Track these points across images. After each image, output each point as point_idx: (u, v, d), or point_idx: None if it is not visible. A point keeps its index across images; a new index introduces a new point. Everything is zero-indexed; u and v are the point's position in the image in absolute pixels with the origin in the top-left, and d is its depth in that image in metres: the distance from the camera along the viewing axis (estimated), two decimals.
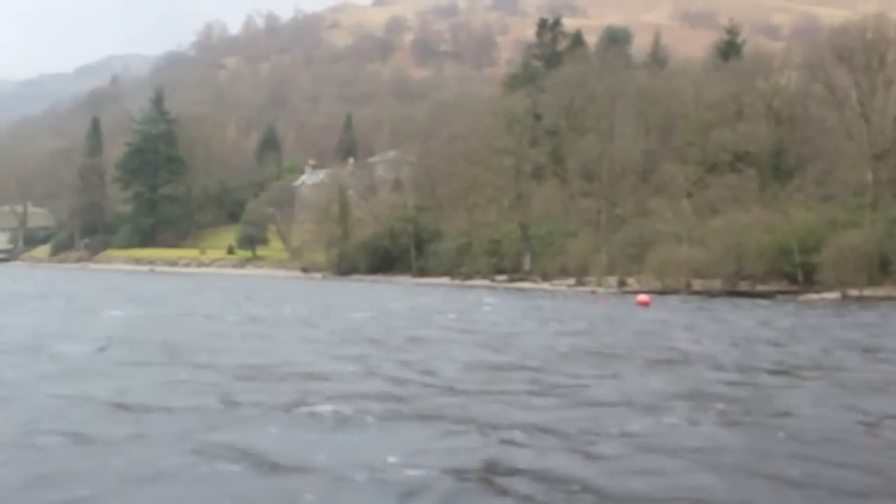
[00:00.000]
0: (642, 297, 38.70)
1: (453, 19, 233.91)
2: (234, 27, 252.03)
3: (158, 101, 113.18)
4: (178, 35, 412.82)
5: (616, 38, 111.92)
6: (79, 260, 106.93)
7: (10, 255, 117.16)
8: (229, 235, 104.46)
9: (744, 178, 60.80)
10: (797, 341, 19.39)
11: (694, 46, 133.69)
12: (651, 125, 70.51)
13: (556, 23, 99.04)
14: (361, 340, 16.68)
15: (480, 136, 74.42)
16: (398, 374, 11.47)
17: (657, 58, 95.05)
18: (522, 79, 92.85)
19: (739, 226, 54.46)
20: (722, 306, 37.74)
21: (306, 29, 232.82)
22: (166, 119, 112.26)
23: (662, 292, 53.05)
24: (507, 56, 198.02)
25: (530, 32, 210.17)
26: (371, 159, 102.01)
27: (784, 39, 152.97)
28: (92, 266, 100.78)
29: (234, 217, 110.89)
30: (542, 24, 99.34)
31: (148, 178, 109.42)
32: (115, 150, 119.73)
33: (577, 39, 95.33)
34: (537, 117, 76.80)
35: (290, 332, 18.45)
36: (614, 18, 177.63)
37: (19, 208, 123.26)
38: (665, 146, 69.41)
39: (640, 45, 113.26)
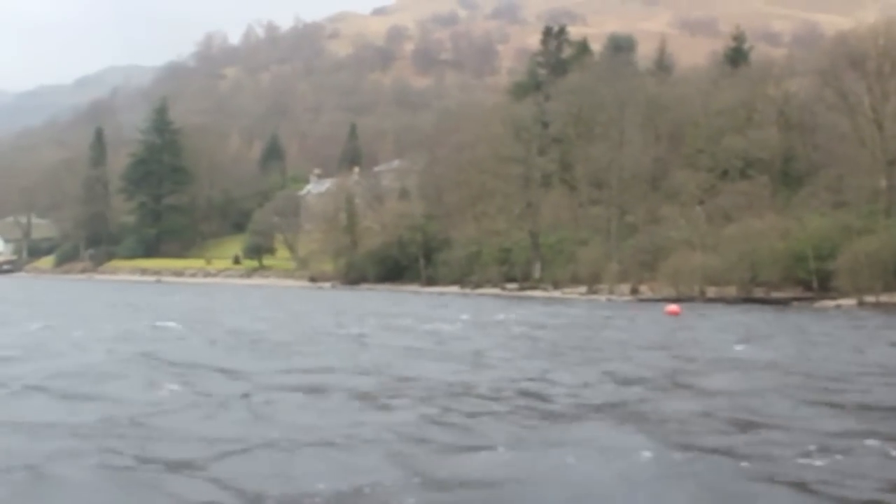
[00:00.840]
0: (672, 307, 38.34)
1: (453, 28, 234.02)
2: (234, 37, 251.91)
3: (162, 111, 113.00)
4: (177, 46, 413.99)
5: (620, 46, 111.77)
6: (83, 271, 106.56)
7: (14, 267, 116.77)
8: (234, 245, 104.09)
9: (756, 184, 60.62)
10: None
11: (694, 54, 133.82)
12: (660, 132, 70.30)
13: (562, 31, 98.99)
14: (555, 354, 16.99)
15: (489, 145, 74.23)
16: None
17: (663, 65, 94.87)
18: (528, 87, 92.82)
19: (754, 232, 54.25)
20: (763, 313, 37.75)
21: (306, 38, 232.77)
22: (170, 129, 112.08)
23: (678, 300, 52.84)
24: (508, 64, 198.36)
25: (531, 41, 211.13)
26: (376, 168, 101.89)
27: (785, 46, 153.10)
28: (97, 277, 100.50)
29: (238, 227, 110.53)
30: (547, 32, 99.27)
31: (152, 188, 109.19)
32: (117, 161, 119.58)
33: (583, 47, 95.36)
34: (544, 125, 76.69)
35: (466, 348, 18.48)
36: (614, 26, 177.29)
37: (23, 219, 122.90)
38: (674, 153, 69.31)
39: (641, 53, 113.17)
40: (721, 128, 64.84)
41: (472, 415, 10.01)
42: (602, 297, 58.03)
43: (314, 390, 11.67)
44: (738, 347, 19.70)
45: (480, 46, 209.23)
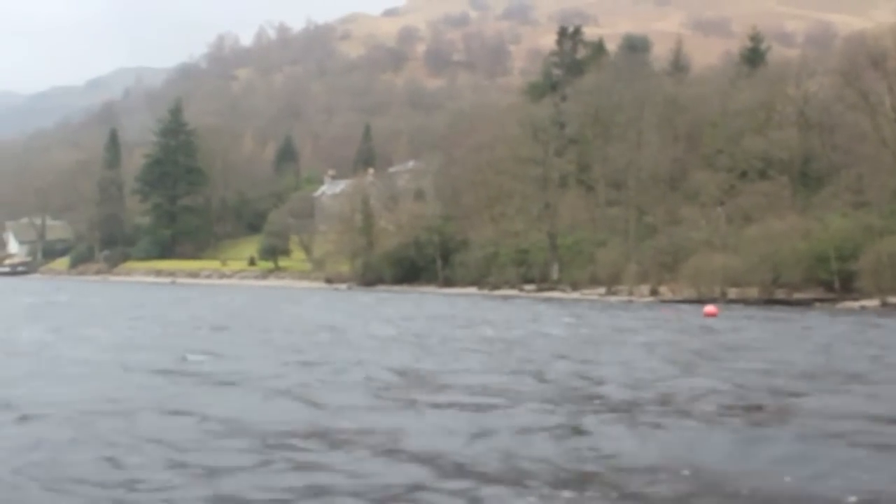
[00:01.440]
0: (710, 309, 38.09)
1: (465, 29, 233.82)
2: (245, 38, 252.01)
3: (177, 112, 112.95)
4: (187, 48, 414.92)
5: (635, 46, 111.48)
6: (98, 272, 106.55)
7: (29, 268, 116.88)
8: (249, 247, 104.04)
9: (776, 185, 60.30)
10: None
11: (707, 54, 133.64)
12: (678, 133, 69.98)
13: (577, 31, 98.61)
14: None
15: (507, 145, 74.06)
16: None
17: (679, 65, 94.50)
18: (543, 87, 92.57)
19: (775, 233, 53.92)
20: (799, 315, 37.66)
21: (318, 40, 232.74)
22: (185, 130, 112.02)
23: (699, 301, 52.59)
24: (520, 65, 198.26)
25: (543, 41, 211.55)
26: (391, 169, 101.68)
27: (798, 47, 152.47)
28: (112, 278, 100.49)
29: (253, 228, 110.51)
30: (562, 33, 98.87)
31: (167, 189, 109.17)
32: (130, 162, 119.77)
33: (600, 48, 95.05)
34: (561, 126, 76.44)
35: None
36: (626, 27, 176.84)
37: (38, 221, 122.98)
38: (692, 153, 69.02)
39: (654, 53, 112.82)
40: (740, 128, 64.51)
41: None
42: (622, 299, 57.83)
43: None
44: None
45: (492, 47, 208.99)
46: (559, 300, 56.08)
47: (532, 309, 42.19)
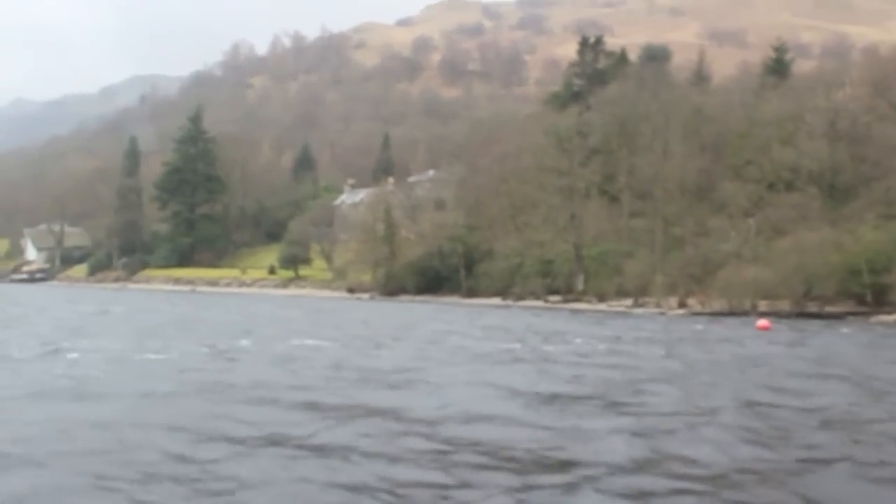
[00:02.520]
0: (763, 322, 37.66)
1: (480, 39, 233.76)
2: (259, 47, 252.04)
3: (196, 120, 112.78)
4: (201, 56, 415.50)
5: (655, 56, 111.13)
6: (117, 279, 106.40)
7: (47, 275, 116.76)
8: (267, 255, 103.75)
9: (806, 196, 59.78)
10: None
11: (724, 65, 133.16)
12: (705, 143, 69.49)
13: (598, 41, 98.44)
14: None
15: (532, 155, 73.69)
16: None
17: (701, 75, 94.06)
18: (564, 97, 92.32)
19: (807, 245, 53.44)
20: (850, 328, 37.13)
21: (333, 48, 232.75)
22: (204, 138, 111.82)
23: (731, 313, 52.20)
24: (536, 75, 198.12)
25: (559, 51, 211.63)
26: (411, 179, 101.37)
27: (815, 58, 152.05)
28: (131, 286, 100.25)
29: (271, 237, 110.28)
30: (584, 43, 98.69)
31: (186, 197, 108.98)
32: (146, 170, 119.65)
33: (622, 57, 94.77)
34: (584, 136, 75.97)
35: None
36: (641, 37, 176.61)
37: (56, 227, 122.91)
38: (717, 164, 68.54)
39: (672, 63, 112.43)
40: (768, 139, 64.01)
41: None
42: (651, 311, 57.34)
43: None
44: None
45: (508, 57, 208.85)
46: (591, 312, 55.68)
47: (590, 322, 41.49)
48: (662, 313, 54.48)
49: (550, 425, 11.72)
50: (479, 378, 16.99)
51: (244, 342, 24.60)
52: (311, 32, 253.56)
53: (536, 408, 13.26)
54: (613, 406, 13.49)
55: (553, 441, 10.61)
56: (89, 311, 43.58)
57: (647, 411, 13.00)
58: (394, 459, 9.50)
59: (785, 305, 52.60)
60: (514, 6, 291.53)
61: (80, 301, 55.70)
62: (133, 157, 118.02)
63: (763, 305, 53.29)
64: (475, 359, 20.69)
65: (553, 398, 14.40)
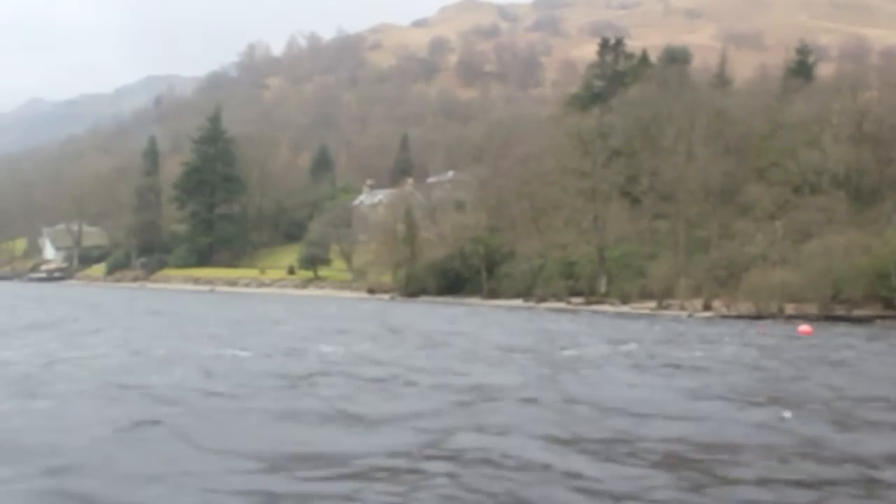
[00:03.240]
0: (804, 328, 37.38)
1: (496, 40, 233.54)
2: (273, 48, 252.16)
3: (216, 120, 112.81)
4: (215, 57, 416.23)
5: (675, 58, 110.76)
6: (135, 279, 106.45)
7: (65, 274, 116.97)
8: (285, 255, 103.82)
9: (832, 199, 59.43)
10: None
11: (741, 67, 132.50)
12: (729, 145, 69.18)
13: (619, 43, 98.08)
14: None
15: (555, 157, 73.47)
16: None
17: (723, 77, 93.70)
18: (584, 99, 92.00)
19: (834, 248, 53.08)
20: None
21: (348, 49, 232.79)
22: (223, 138, 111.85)
23: (759, 316, 51.89)
24: (552, 77, 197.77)
25: (575, 53, 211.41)
26: (430, 179, 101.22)
27: (832, 60, 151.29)
28: (150, 285, 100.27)
29: (289, 237, 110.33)
30: (604, 44, 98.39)
31: (205, 197, 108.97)
32: (163, 169, 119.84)
33: (644, 59, 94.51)
34: (605, 137, 75.64)
35: None
36: (657, 39, 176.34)
37: (74, 227, 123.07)
38: (741, 166, 68.24)
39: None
40: (794, 141, 63.66)
41: None
42: (676, 313, 57.03)
43: None
44: None
45: (524, 59, 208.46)
46: (618, 314, 55.48)
47: (634, 324, 40.91)
48: (690, 315, 54.17)
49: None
50: (672, 385, 16.73)
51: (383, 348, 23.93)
52: (326, 33, 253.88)
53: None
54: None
55: None
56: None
57: None
58: None
59: (812, 309, 52.20)
60: (530, 8, 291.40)
61: (110, 301, 55.21)
62: (152, 156, 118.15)
63: (790, 308, 53.00)
64: (634, 366, 19.87)
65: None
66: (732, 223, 62.92)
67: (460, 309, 58.74)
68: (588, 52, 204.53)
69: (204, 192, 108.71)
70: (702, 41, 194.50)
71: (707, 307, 57.65)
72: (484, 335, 29.76)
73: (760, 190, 62.12)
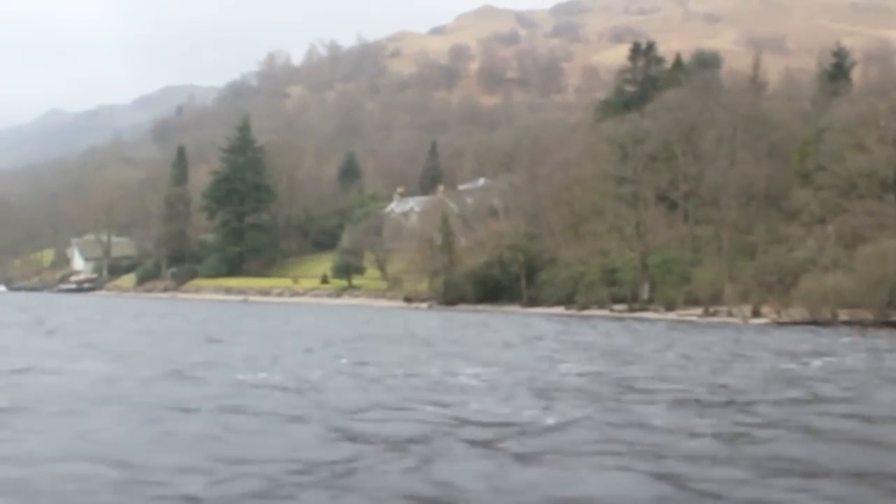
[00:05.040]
0: None
1: (516, 46, 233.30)
2: (293, 56, 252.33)
3: (244, 129, 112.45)
4: (234, 66, 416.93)
5: (706, 62, 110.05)
6: (166, 289, 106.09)
7: (95, 285, 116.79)
8: (315, 264, 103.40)
9: (883, 203, 58.61)
10: None
11: (764, 71, 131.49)
12: (773, 149, 68.46)
13: (650, 47, 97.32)
14: None
15: (595, 163, 72.85)
16: None
17: (757, 81, 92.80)
18: (616, 104, 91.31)
19: (889, 253, 52.29)
20: None
21: (368, 57, 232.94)
22: (252, 147, 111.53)
23: (813, 322, 51.11)
24: (574, 82, 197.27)
25: (596, 58, 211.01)
26: (461, 187, 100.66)
27: (857, 63, 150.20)
28: (181, 296, 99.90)
29: (318, 245, 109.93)
30: (635, 49, 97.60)
31: (235, 206, 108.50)
32: (189, 179, 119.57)
33: (678, 63, 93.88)
34: (640, 142, 74.97)
35: None
36: (678, 44, 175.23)
37: (103, 237, 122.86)
38: (785, 170, 67.53)
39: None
40: (840, 144, 62.83)
41: None
42: (725, 320, 56.32)
43: None
44: None
45: (545, 65, 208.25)
46: (667, 321, 54.78)
47: (705, 335, 39.54)
48: (745, 323, 53.37)
49: None
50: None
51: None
52: (345, 41, 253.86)
53: None
54: None
55: None
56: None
57: None
58: None
59: (867, 314, 51.43)
60: (548, 14, 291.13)
61: (163, 314, 54.21)
62: (181, 166, 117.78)
63: (843, 314, 52.23)
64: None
65: None
66: (779, 228, 62.19)
67: (524, 317, 58.07)
68: (609, 57, 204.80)
69: (234, 201, 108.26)
70: (724, 45, 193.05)
71: (756, 313, 56.88)
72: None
73: (807, 194, 61.27)
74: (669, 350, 28.98)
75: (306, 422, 12.12)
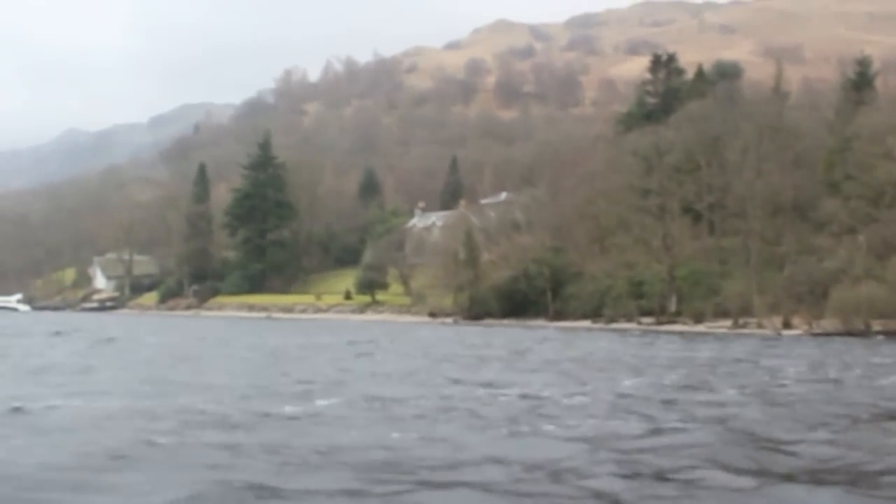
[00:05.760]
0: None
1: (532, 60, 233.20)
2: (307, 73, 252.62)
3: (266, 146, 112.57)
4: (248, 84, 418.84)
5: (726, 73, 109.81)
6: (188, 307, 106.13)
7: (117, 303, 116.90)
8: (337, 280, 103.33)
9: None
10: None
11: (787, 81, 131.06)
12: (799, 160, 68.12)
13: (671, 59, 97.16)
14: None
15: (619, 175, 72.60)
16: None
17: (779, 91, 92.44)
18: (637, 117, 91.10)
19: None
20: None
21: (385, 73, 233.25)
22: (274, 164, 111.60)
23: (848, 333, 50.65)
24: (591, 95, 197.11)
25: (613, 71, 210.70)
26: (483, 201, 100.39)
27: (876, 72, 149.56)
28: (204, 313, 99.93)
29: (340, 262, 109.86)
30: (656, 61, 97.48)
31: (257, 223, 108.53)
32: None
33: (700, 74, 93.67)
34: (663, 154, 74.68)
35: None
36: (694, 56, 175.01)
37: (125, 256, 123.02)
38: (811, 180, 67.17)
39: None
40: (868, 153, 62.40)
41: None
42: (757, 331, 55.89)
43: None
44: None
45: (562, 78, 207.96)
46: (698, 334, 54.36)
47: (739, 345, 38.87)
48: (779, 335, 52.92)
49: None
50: None
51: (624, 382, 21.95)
52: (361, 57, 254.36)
53: None
54: None
55: None
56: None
57: None
58: None
59: None
60: (563, 27, 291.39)
61: (206, 331, 53.88)
62: (202, 183, 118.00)
63: (877, 325, 51.82)
64: None
65: None
66: (808, 238, 61.78)
67: (559, 332, 57.66)
68: (626, 69, 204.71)
69: (255, 218, 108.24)
70: (740, 56, 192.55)
71: (786, 325, 56.46)
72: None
73: (836, 204, 60.85)
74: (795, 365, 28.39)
75: None
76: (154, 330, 55.89)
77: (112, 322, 68.17)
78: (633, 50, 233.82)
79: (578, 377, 23.21)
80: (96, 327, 56.76)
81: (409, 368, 25.65)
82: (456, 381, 21.35)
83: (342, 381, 21.26)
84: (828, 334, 51.02)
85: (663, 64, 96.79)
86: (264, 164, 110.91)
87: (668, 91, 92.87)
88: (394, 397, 17.44)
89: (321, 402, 16.40)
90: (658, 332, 56.86)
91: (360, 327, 64.00)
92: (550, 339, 46.38)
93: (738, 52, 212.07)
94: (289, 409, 15.44)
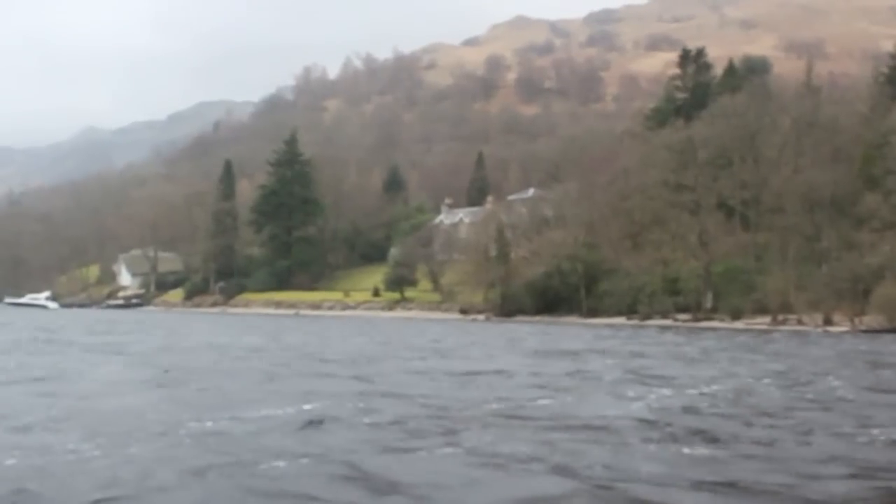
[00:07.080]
0: None
1: (552, 56, 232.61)
2: (327, 70, 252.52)
3: (292, 142, 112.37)
4: (267, 81, 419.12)
5: (754, 68, 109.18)
6: (214, 304, 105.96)
7: (142, 300, 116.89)
8: (363, 277, 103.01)
9: None
10: None
11: (817, 76, 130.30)
12: (838, 155, 67.43)
13: (700, 54, 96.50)
14: None
15: (655, 171, 71.94)
16: None
17: (811, 86, 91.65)
18: (666, 112, 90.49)
19: None
20: None
21: (404, 69, 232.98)
22: (300, 160, 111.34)
23: (893, 330, 49.95)
24: (613, 91, 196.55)
25: (634, 66, 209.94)
26: (510, 197, 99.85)
27: None
28: (231, 310, 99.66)
29: (366, 258, 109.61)
30: (685, 56, 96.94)
31: (283, 220, 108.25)
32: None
33: (731, 69, 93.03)
34: (696, 149, 74.08)
35: None
36: (715, 51, 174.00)
37: (150, 253, 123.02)
38: (848, 176, 66.44)
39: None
40: None
41: None
42: (788, 328, 55.20)
43: None
44: None
45: (583, 74, 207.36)
46: (738, 331, 53.71)
47: (808, 349, 36.68)
48: (826, 332, 52.20)
49: None
50: None
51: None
52: (380, 54, 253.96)
53: None
54: None
55: None
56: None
57: None
58: None
59: None
60: (582, 23, 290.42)
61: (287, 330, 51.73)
62: (228, 180, 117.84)
63: None
64: None
65: None
66: (848, 234, 61.08)
67: (619, 331, 56.88)
68: (647, 65, 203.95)
69: (282, 215, 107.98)
70: (762, 51, 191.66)
71: (827, 321, 55.78)
72: None
73: (877, 199, 60.11)
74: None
75: None
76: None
77: (177, 322, 65.01)
78: (654, 45, 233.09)
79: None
80: (189, 330, 49.93)
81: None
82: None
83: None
84: (874, 331, 50.29)
85: (692, 59, 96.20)
86: (290, 161, 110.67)
87: (698, 86, 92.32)
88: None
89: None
90: (698, 329, 56.19)
91: (403, 325, 62.48)
92: (617, 337, 44.32)
93: (759, 46, 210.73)
94: None
